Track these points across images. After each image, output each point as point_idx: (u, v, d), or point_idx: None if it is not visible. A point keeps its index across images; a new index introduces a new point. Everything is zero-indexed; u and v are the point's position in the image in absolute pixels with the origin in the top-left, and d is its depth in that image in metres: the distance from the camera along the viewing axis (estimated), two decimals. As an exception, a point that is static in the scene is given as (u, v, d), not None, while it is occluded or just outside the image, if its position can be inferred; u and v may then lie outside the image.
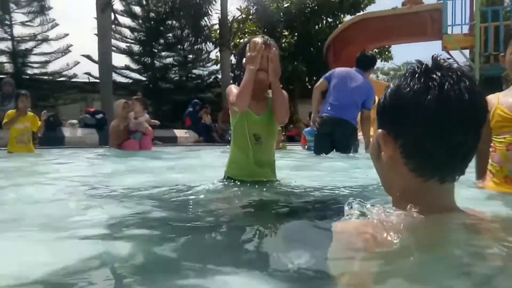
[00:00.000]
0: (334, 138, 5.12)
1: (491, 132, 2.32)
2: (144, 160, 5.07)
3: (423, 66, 0.98)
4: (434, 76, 0.94)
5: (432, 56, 1.00)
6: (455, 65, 0.98)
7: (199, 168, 4.11)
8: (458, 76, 0.95)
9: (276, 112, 2.46)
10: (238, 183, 2.43)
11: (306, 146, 7.02)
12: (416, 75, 0.96)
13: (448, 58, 1.03)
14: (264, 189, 2.35)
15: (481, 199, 2.16)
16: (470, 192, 2.24)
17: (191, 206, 1.99)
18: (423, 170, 0.99)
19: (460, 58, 9.38)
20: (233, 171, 2.54)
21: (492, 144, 2.32)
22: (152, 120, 7.40)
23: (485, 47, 9.03)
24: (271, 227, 1.52)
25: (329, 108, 5.11)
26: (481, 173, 2.41)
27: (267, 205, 2.08)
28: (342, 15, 20.27)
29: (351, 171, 3.73)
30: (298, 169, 4.06)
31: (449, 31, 9.24)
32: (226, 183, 2.48)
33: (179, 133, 12.15)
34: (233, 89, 2.49)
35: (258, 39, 2.47)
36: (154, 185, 2.58)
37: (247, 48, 2.46)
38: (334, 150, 5.17)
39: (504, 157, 2.25)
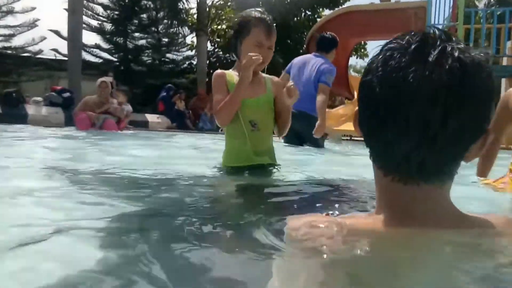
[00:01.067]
0: (299, 132, 4.66)
1: (503, 128, 2.14)
2: (132, 145, 4.70)
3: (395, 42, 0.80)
4: (389, 52, 0.78)
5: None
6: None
7: (186, 155, 3.83)
8: (415, 50, 0.75)
9: (280, 129, 2.35)
10: (236, 170, 2.21)
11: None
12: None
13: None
14: (264, 175, 2.18)
15: (500, 201, 1.97)
16: (488, 193, 2.05)
17: (184, 194, 1.78)
18: (380, 160, 0.84)
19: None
20: (231, 162, 2.29)
21: (515, 142, 2.13)
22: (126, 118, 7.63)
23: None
24: (266, 218, 1.34)
25: None
26: (481, 171, 2.22)
27: (266, 193, 1.88)
28: (321, 9, 20.25)
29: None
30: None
31: (432, 30, 9.19)
32: (223, 170, 2.26)
33: (151, 117, 11.68)
34: (219, 90, 2.19)
35: (255, 14, 2.22)
36: (146, 171, 2.27)
37: (247, 23, 2.22)
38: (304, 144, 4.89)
39: (528, 156, 2.07)
